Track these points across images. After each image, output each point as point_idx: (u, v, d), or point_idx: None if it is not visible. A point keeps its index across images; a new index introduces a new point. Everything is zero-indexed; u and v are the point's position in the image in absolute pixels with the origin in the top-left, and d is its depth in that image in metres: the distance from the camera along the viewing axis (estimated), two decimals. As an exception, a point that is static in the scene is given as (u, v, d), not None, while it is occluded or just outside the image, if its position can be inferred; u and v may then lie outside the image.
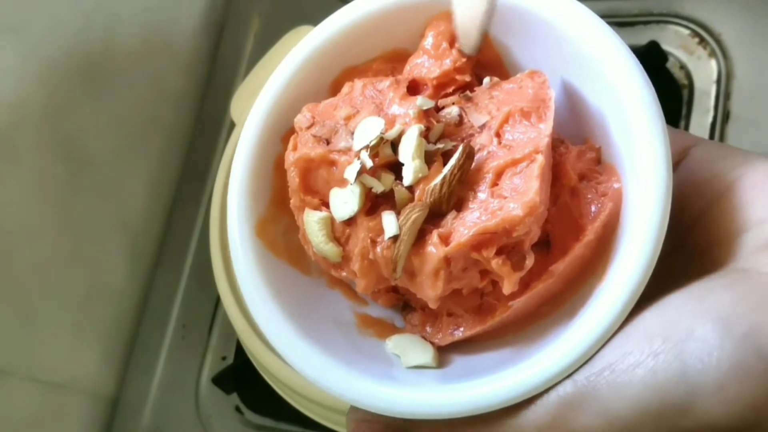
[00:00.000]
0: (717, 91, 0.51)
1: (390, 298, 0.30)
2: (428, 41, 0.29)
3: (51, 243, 0.54)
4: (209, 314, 0.60)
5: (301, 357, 0.27)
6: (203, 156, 0.65)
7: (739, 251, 0.25)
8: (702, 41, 0.53)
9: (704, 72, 0.52)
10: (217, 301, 0.59)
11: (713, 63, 0.52)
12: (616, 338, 0.24)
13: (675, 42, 0.54)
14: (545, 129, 0.26)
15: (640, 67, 0.26)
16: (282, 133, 0.30)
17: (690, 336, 0.22)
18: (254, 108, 0.30)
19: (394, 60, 0.31)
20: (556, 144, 0.27)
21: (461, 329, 0.28)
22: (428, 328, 0.29)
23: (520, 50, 0.29)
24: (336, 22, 0.30)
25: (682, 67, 0.53)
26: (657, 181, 0.25)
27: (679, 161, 0.28)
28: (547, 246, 0.27)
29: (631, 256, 0.24)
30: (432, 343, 0.28)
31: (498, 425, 0.25)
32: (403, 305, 0.30)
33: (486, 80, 0.29)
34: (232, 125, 0.60)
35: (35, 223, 0.53)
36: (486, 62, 0.30)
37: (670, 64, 0.53)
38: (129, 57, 0.59)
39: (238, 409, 0.56)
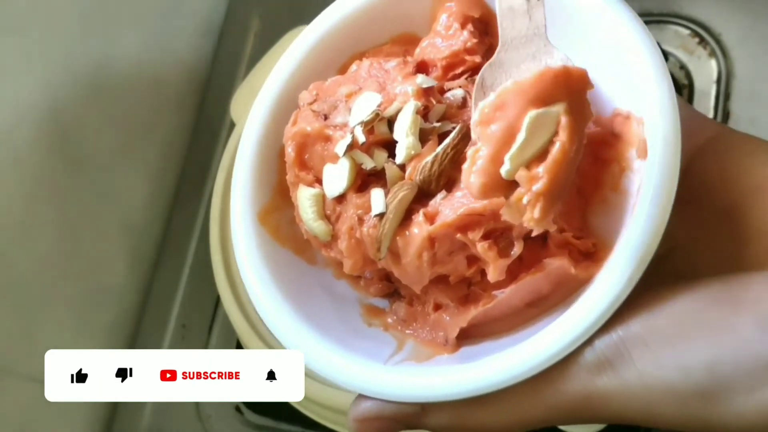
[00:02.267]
0: (717, 91, 0.51)
1: (383, 287, 0.29)
2: (440, 22, 0.29)
3: (51, 243, 0.54)
4: (209, 314, 0.60)
5: (307, 345, 0.26)
6: (203, 156, 0.65)
7: None
8: (702, 41, 0.53)
9: (704, 72, 0.52)
10: (217, 301, 0.59)
11: (713, 63, 0.52)
12: (646, 312, 0.23)
13: (675, 42, 0.54)
14: None
15: (658, 50, 0.25)
16: (288, 120, 0.29)
17: (727, 329, 0.22)
18: (261, 94, 0.30)
19: (404, 43, 0.30)
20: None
21: (447, 328, 0.27)
22: (414, 324, 0.28)
23: None
24: (342, 8, 0.30)
25: (682, 67, 0.53)
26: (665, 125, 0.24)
27: (703, 143, 0.27)
28: (543, 240, 0.26)
29: (641, 217, 0.23)
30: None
31: (531, 396, 0.23)
32: (393, 292, 0.29)
33: None
34: (232, 125, 0.60)
35: (35, 223, 0.53)
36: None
37: (670, 64, 0.53)
38: (129, 57, 0.59)
39: (238, 409, 0.56)
